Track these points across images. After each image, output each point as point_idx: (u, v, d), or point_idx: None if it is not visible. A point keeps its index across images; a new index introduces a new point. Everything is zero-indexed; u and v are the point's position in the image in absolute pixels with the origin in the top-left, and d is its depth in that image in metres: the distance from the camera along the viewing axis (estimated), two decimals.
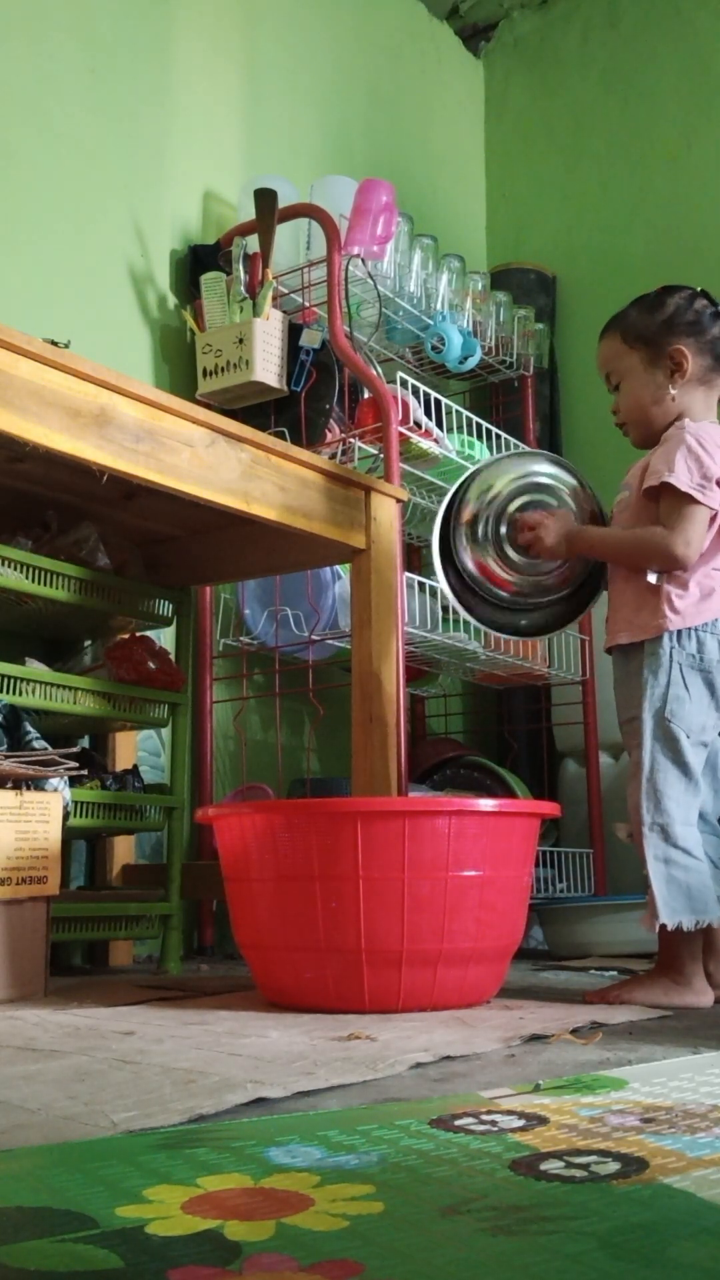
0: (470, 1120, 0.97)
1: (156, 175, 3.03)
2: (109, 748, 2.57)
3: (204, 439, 2.01)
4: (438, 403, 2.98)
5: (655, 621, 1.92)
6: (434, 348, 3.05)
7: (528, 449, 2.46)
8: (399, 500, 2.48)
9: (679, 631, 1.91)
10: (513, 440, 3.17)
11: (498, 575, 2.16)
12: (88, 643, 2.52)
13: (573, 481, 2.18)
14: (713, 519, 1.91)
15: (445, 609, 2.96)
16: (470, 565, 2.16)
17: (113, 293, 2.88)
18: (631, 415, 2.06)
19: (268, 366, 2.72)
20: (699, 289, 2.05)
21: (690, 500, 1.88)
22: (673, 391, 1.99)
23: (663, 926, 1.84)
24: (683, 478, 1.88)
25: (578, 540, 2.05)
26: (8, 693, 2.10)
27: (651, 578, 1.94)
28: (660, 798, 1.88)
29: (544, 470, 2.19)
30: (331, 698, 2.86)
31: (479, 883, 1.77)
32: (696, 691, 1.90)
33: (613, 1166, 0.82)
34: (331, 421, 2.88)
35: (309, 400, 2.82)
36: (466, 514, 2.16)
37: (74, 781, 2.16)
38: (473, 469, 2.23)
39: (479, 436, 3.11)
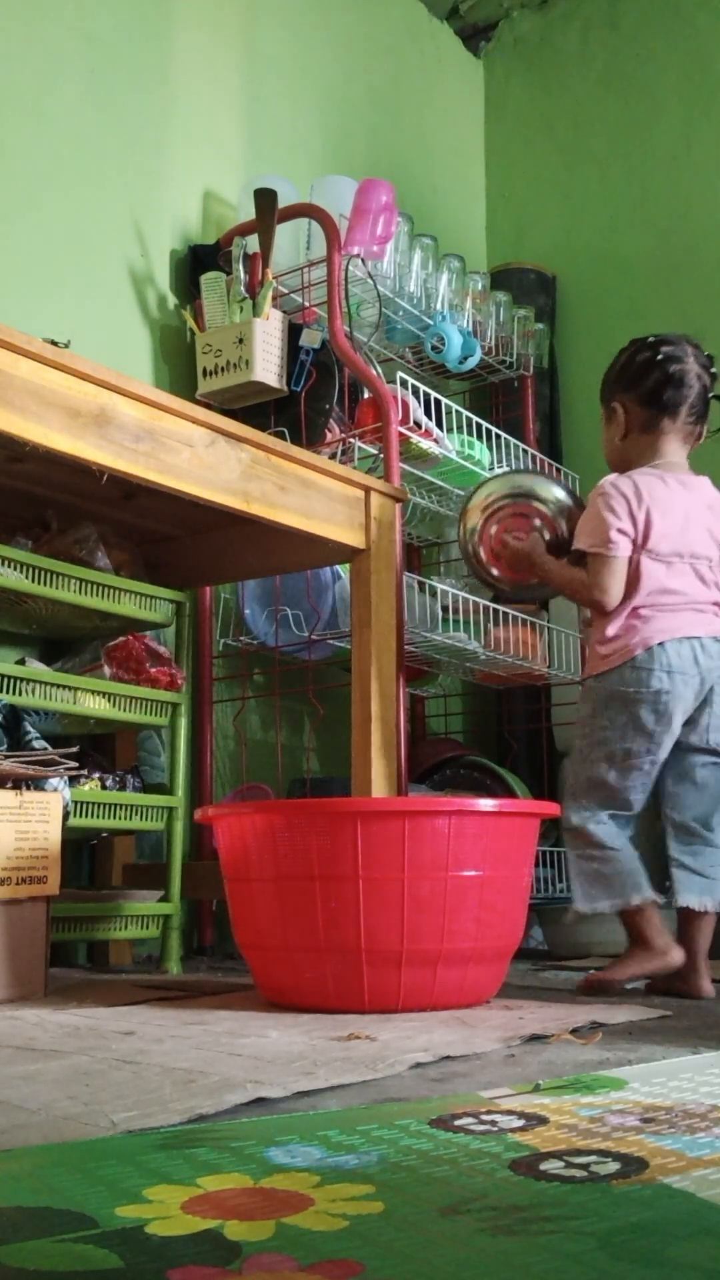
0: (470, 1120, 0.97)
1: (156, 175, 3.03)
2: (109, 748, 2.57)
3: (204, 439, 2.01)
4: (438, 403, 2.98)
5: (589, 664, 2.23)
6: (434, 348, 3.05)
7: (540, 475, 2.63)
8: (399, 500, 2.48)
9: (600, 674, 2.16)
10: (512, 440, 3.17)
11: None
12: (88, 643, 2.52)
13: (568, 504, 2.43)
14: (635, 560, 2.14)
15: (445, 609, 2.96)
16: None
17: (113, 293, 2.88)
18: (609, 467, 2.29)
19: (267, 366, 2.72)
20: (652, 338, 2.23)
21: (599, 556, 2.13)
22: (618, 444, 2.24)
23: (623, 914, 2.09)
24: (586, 541, 2.16)
25: (536, 567, 2.34)
26: (8, 693, 2.10)
27: (581, 622, 2.28)
28: (577, 805, 2.15)
29: (541, 489, 2.46)
30: (331, 698, 2.86)
31: (479, 883, 1.77)
32: (619, 720, 2.12)
33: (612, 1166, 0.82)
34: (331, 421, 2.88)
35: (309, 400, 2.82)
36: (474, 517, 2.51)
37: (74, 781, 2.16)
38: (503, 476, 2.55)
39: (479, 436, 3.10)
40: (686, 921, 2.10)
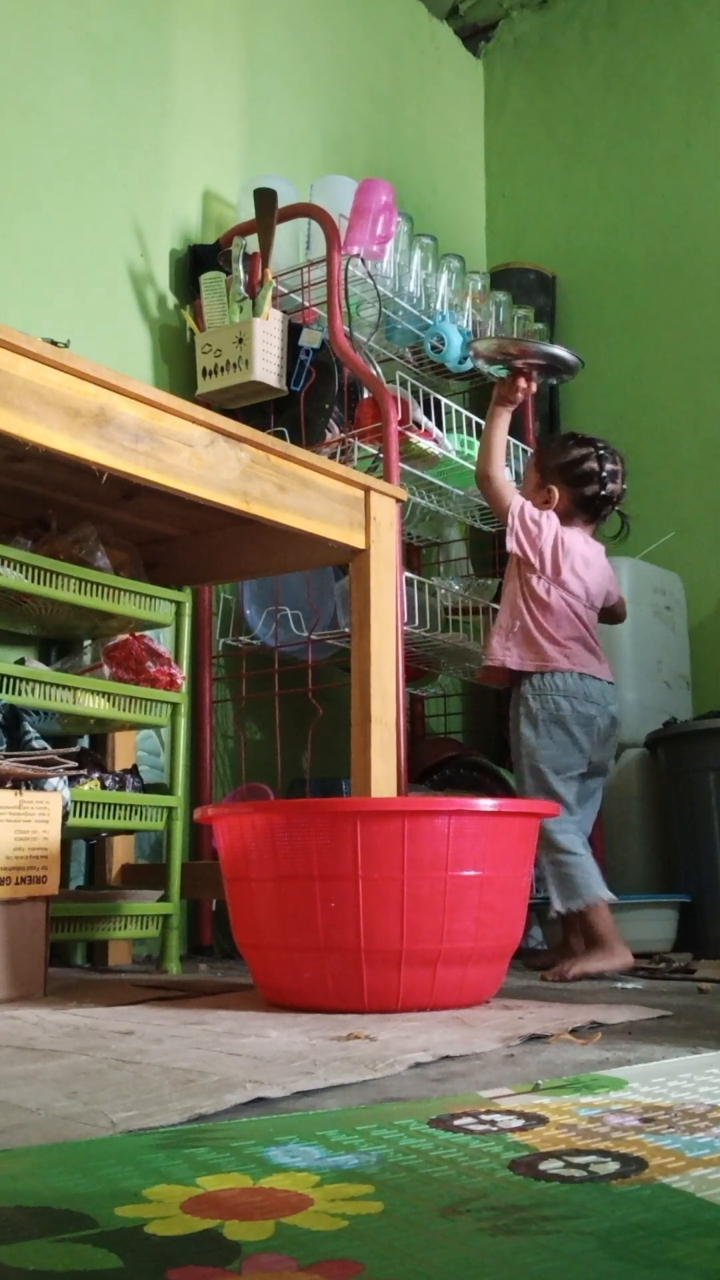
0: (469, 1120, 0.97)
1: (156, 175, 3.03)
2: (108, 747, 2.57)
3: (203, 439, 2.01)
4: (437, 403, 2.98)
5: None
6: (434, 348, 3.05)
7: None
8: (398, 500, 2.48)
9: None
10: (512, 440, 3.17)
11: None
12: (87, 643, 2.52)
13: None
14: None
15: (445, 609, 2.96)
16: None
17: (112, 292, 2.88)
18: None
19: (267, 366, 2.72)
20: (601, 449, 2.61)
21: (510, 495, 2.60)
22: (538, 505, 2.61)
23: (572, 915, 2.40)
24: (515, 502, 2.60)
25: (500, 416, 2.65)
26: (8, 693, 2.10)
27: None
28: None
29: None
30: (331, 698, 2.86)
31: (478, 882, 1.77)
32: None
33: (612, 1166, 0.82)
34: (331, 421, 2.88)
35: (308, 400, 2.81)
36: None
37: (73, 781, 2.16)
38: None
39: (479, 436, 3.10)
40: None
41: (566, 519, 2.60)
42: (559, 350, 2.71)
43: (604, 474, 2.59)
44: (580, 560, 2.57)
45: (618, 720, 2.61)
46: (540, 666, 2.51)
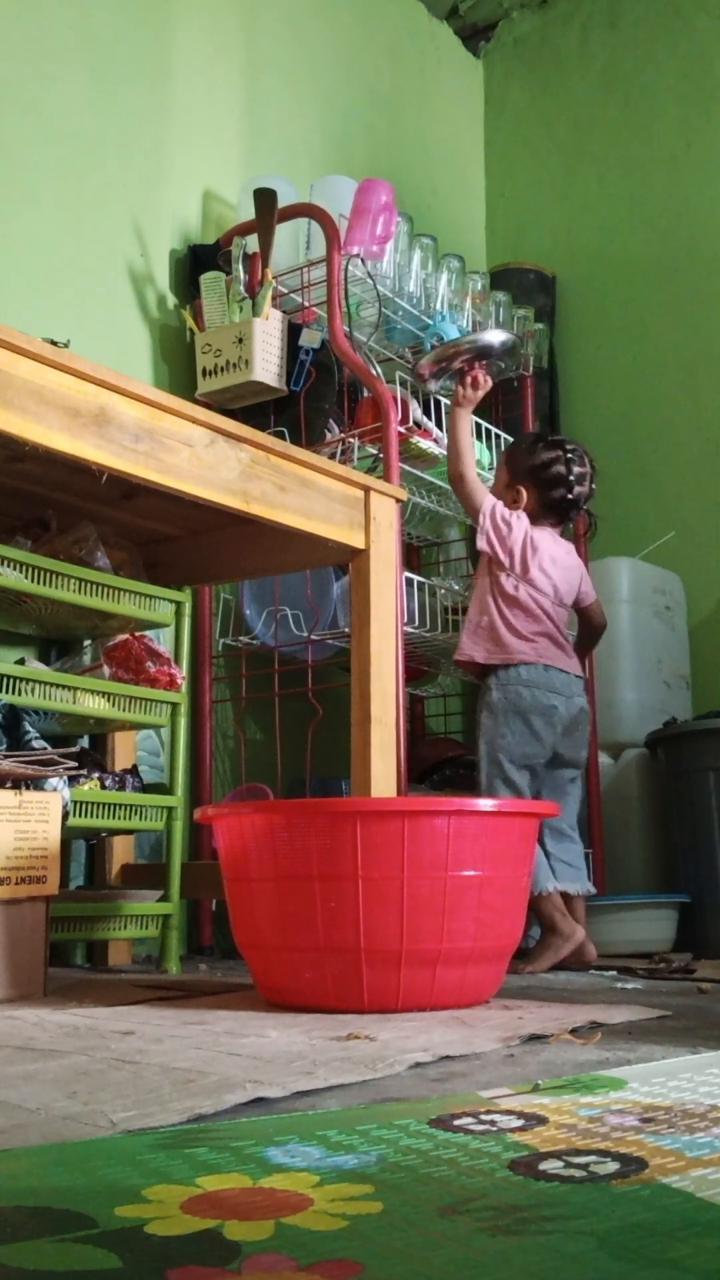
0: (469, 1120, 0.97)
1: (156, 175, 3.03)
2: (108, 747, 2.57)
3: (203, 439, 2.01)
4: (437, 403, 2.98)
5: None
6: (434, 348, 3.05)
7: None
8: (398, 500, 2.48)
9: None
10: (512, 440, 3.17)
11: None
12: (87, 643, 2.52)
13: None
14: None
15: (445, 609, 2.96)
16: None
17: (112, 293, 2.88)
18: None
19: (267, 366, 2.72)
20: (570, 451, 2.66)
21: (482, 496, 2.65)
22: (508, 503, 2.68)
23: (534, 901, 2.43)
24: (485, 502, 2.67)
25: (457, 413, 2.71)
26: (7, 693, 2.10)
27: None
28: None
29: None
30: (331, 698, 2.86)
31: (478, 882, 1.77)
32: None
33: (612, 1166, 0.82)
34: (331, 421, 2.88)
35: (308, 400, 2.81)
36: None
37: (73, 781, 2.16)
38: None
39: (479, 436, 3.10)
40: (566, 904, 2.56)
41: (534, 519, 2.67)
42: (487, 337, 2.80)
43: (571, 477, 2.65)
44: (548, 559, 2.64)
45: (585, 711, 2.65)
46: (506, 660, 2.58)
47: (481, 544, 2.64)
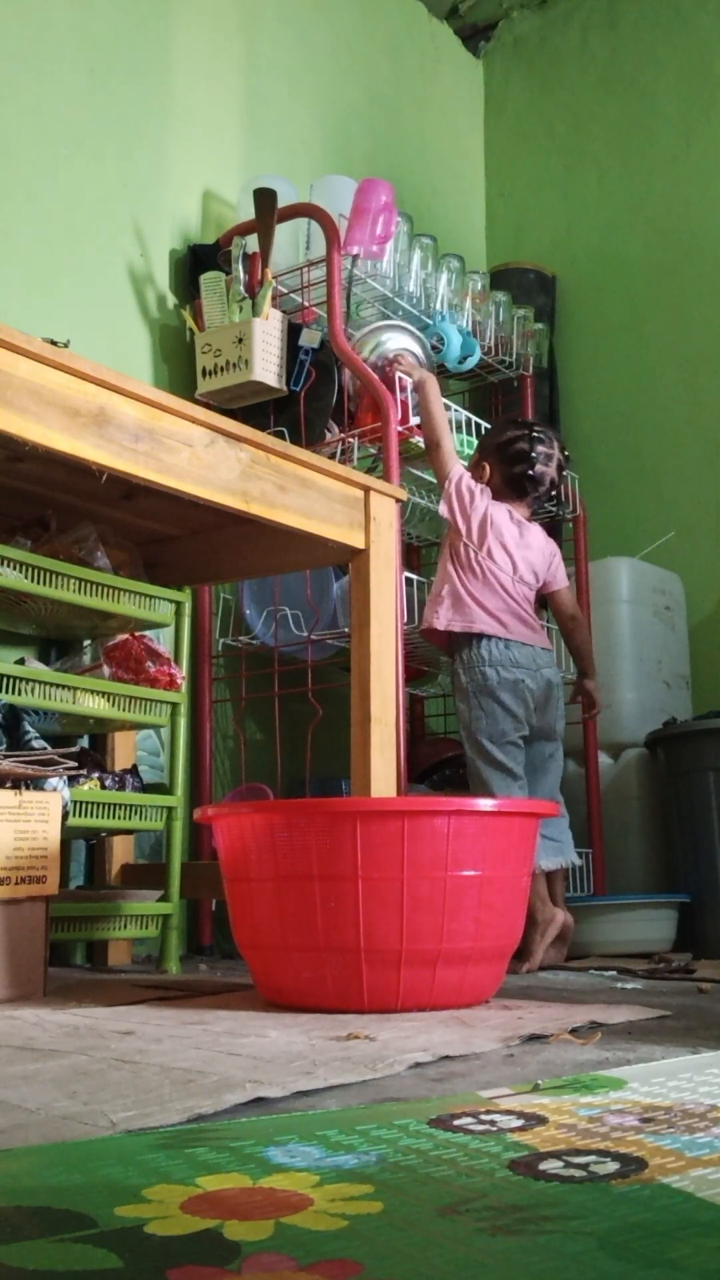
0: (469, 1120, 0.97)
1: (156, 175, 3.03)
2: (108, 747, 2.57)
3: (203, 438, 2.01)
4: None
5: None
6: (433, 347, 3.05)
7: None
8: (398, 500, 2.48)
9: None
10: None
11: None
12: (87, 643, 2.52)
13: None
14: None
15: None
16: None
17: (112, 293, 2.88)
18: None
19: (267, 366, 2.72)
20: (536, 431, 2.74)
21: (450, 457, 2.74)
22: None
23: None
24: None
25: (428, 395, 2.77)
26: (8, 693, 2.10)
27: None
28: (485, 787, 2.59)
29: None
30: (331, 698, 2.86)
31: (478, 882, 1.77)
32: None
33: (611, 1166, 0.82)
34: (331, 421, 2.88)
35: (308, 400, 2.81)
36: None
37: (73, 781, 2.16)
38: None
39: (478, 436, 3.10)
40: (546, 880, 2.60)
41: (497, 495, 2.73)
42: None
43: (533, 454, 2.71)
44: (510, 537, 2.67)
45: (555, 683, 2.66)
46: (466, 626, 2.60)
47: (443, 510, 2.70)
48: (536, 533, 2.76)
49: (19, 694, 2.12)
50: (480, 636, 2.60)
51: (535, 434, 2.74)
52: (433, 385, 2.78)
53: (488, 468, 2.74)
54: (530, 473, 2.71)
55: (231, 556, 2.54)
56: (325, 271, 2.82)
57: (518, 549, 2.67)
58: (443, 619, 2.63)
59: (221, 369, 2.73)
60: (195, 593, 2.77)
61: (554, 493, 2.82)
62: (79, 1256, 0.63)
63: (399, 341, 3.00)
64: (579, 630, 2.85)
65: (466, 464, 2.80)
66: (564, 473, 2.81)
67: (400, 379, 2.80)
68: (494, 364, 3.41)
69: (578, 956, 2.75)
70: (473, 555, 2.64)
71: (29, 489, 2.26)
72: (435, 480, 2.81)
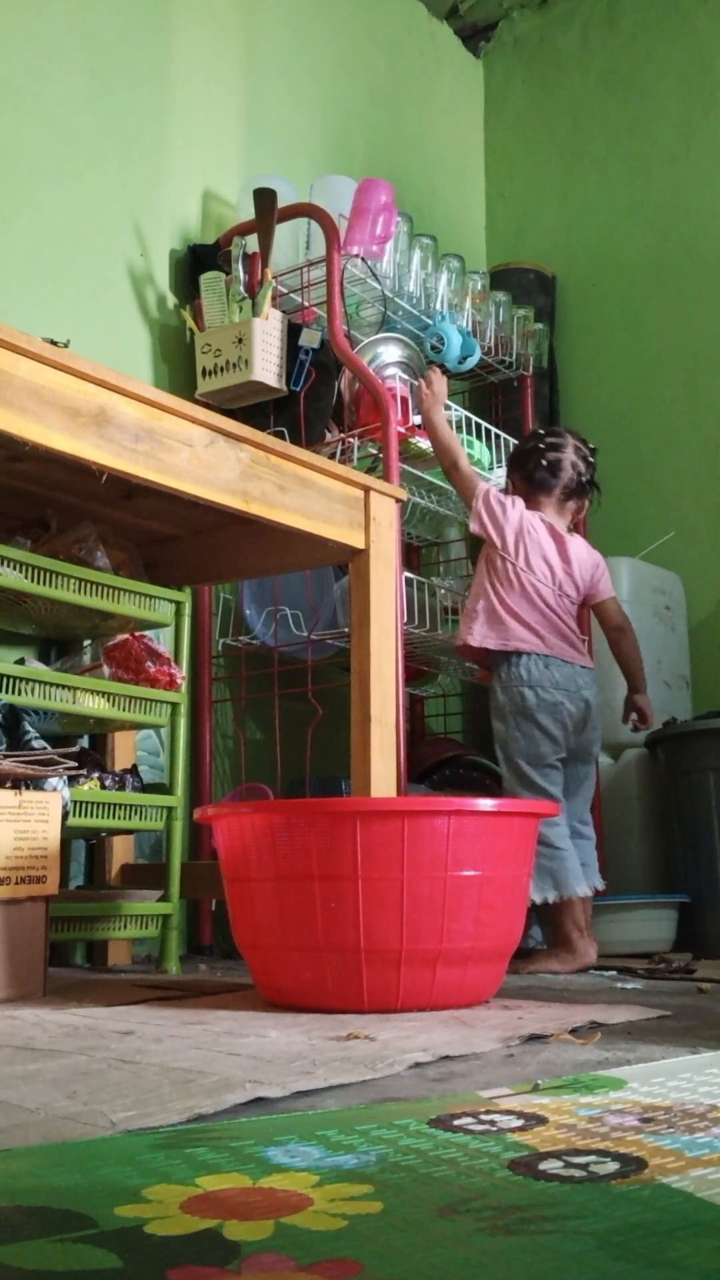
0: (469, 1120, 0.97)
1: (156, 175, 3.03)
2: (108, 747, 2.57)
3: (203, 438, 2.01)
4: None
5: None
6: (433, 348, 3.05)
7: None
8: (398, 500, 2.48)
9: None
10: (513, 440, 3.17)
11: None
12: (87, 643, 2.52)
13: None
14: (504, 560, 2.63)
15: (445, 609, 2.96)
16: None
17: (112, 292, 2.88)
18: None
19: (267, 366, 2.72)
20: (542, 430, 2.81)
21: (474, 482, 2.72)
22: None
23: (546, 907, 2.45)
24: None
25: (432, 411, 2.77)
26: (8, 693, 2.10)
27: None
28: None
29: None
30: (331, 698, 2.86)
31: (478, 882, 1.77)
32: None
33: (611, 1166, 0.82)
34: (330, 421, 2.88)
35: (308, 400, 2.81)
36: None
37: (73, 781, 2.16)
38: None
39: (478, 436, 3.10)
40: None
41: (531, 503, 2.69)
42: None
43: (543, 446, 2.71)
44: (550, 548, 2.64)
45: (593, 704, 2.61)
46: (503, 644, 2.56)
47: (474, 526, 2.66)
48: (578, 543, 2.72)
49: (19, 694, 2.12)
50: (518, 654, 2.55)
51: (544, 431, 2.78)
52: (439, 413, 2.76)
53: (513, 483, 2.75)
54: (544, 460, 2.68)
55: (231, 556, 2.54)
56: (325, 271, 2.82)
57: (558, 560, 2.63)
58: (477, 635, 2.59)
59: (221, 369, 2.73)
60: (195, 593, 2.77)
61: (583, 479, 2.72)
62: (79, 1256, 0.63)
63: (396, 354, 3.01)
64: (625, 641, 2.74)
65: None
66: (589, 461, 2.74)
67: (402, 388, 2.80)
68: (494, 364, 3.42)
69: None
70: (510, 567, 2.59)
71: (29, 489, 2.26)
72: (462, 500, 2.81)
